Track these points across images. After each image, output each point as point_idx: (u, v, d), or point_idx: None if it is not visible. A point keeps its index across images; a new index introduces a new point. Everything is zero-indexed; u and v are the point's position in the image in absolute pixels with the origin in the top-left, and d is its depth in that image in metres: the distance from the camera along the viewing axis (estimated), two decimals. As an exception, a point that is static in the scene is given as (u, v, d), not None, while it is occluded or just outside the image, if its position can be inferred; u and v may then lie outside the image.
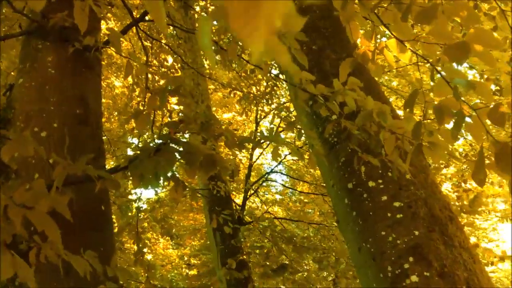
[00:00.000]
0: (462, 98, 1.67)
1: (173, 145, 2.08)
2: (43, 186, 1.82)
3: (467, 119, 1.66)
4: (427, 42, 1.71)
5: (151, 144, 2.13)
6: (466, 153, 7.77)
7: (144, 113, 2.10)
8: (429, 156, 2.05)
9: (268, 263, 6.54)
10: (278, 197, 11.73)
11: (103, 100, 9.10)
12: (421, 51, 2.12)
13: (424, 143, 1.92)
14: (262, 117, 9.48)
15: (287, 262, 8.11)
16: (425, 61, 2.08)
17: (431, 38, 1.84)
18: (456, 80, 1.58)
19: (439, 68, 1.84)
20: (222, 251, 6.90)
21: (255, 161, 9.81)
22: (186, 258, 11.98)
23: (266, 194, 11.56)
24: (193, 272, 9.58)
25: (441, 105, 1.62)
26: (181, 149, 2.08)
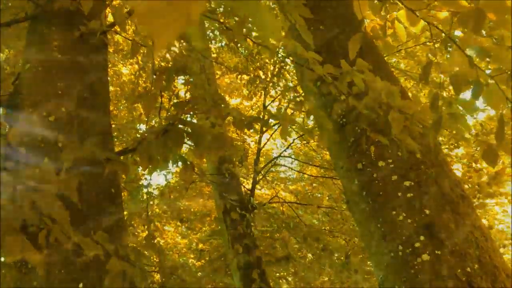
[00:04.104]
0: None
1: (180, 126, 2.07)
2: (52, 169, 1.81)
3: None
4: (438, 10, 1.67)
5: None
6: (477, 133, 7.69)
7: (150, 94, 2.09)
8: (450, 129, 2.03)
9: (271, 252, 6.57)
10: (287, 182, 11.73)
11: (111, 88, 9.11)
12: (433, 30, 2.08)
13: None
14: (270, 101, 9.44)
15: (291, 253, 8.13)
16: (437, 37, 2.05)
17: (441, 9, 1.80)
18: (471, 48, 1.55)
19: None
20: (233, 236, 6.93)
21: (263, 146, 9.79)
22: (195, 243, 12.05)
23: (275, 179, 11.56)
24: (200, 263, 9.66)
25: (457, 73, 1.59)
26: (189, 130, 2.07)
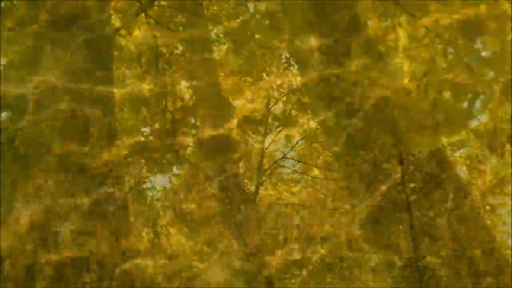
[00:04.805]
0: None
1: (185, 128, 2.08)
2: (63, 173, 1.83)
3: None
4: (438, 17, 1.68)
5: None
6: (480, 133, 7.66)
7: (155, 97, 2.10)
8: (446, 134, 2.04)
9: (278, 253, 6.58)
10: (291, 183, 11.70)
11: (115, 90, 9.13)
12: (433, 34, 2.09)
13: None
14: (274, 103, 9.43)
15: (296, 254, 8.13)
16: (440, 38, 2.05)
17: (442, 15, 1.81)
18: (470, 57, 1.55)
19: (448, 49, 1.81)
20: (238, 237, 6.93)
21: (267, 148, 9.79)
22: (199, 245, 12.03)
23: (278, 181, 11.54)
24: (203, 266, 9.64)
25: (456, 82, 1.60)
26: (193, 132, 2.09)
